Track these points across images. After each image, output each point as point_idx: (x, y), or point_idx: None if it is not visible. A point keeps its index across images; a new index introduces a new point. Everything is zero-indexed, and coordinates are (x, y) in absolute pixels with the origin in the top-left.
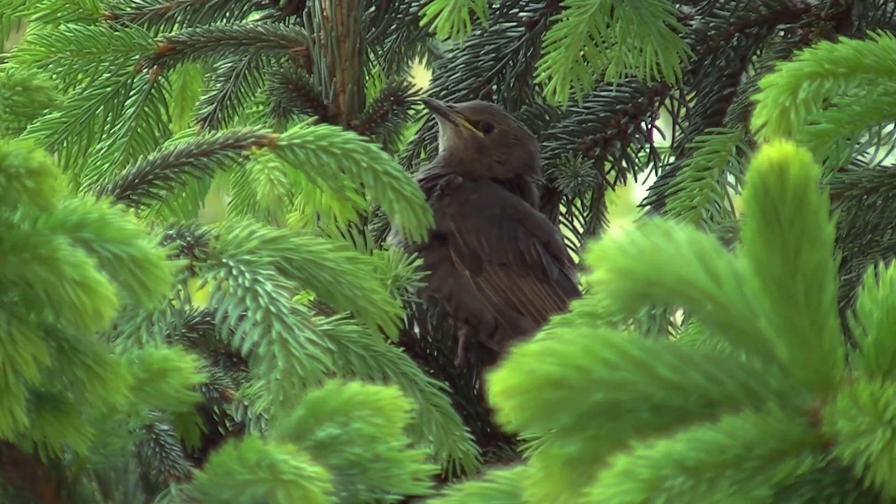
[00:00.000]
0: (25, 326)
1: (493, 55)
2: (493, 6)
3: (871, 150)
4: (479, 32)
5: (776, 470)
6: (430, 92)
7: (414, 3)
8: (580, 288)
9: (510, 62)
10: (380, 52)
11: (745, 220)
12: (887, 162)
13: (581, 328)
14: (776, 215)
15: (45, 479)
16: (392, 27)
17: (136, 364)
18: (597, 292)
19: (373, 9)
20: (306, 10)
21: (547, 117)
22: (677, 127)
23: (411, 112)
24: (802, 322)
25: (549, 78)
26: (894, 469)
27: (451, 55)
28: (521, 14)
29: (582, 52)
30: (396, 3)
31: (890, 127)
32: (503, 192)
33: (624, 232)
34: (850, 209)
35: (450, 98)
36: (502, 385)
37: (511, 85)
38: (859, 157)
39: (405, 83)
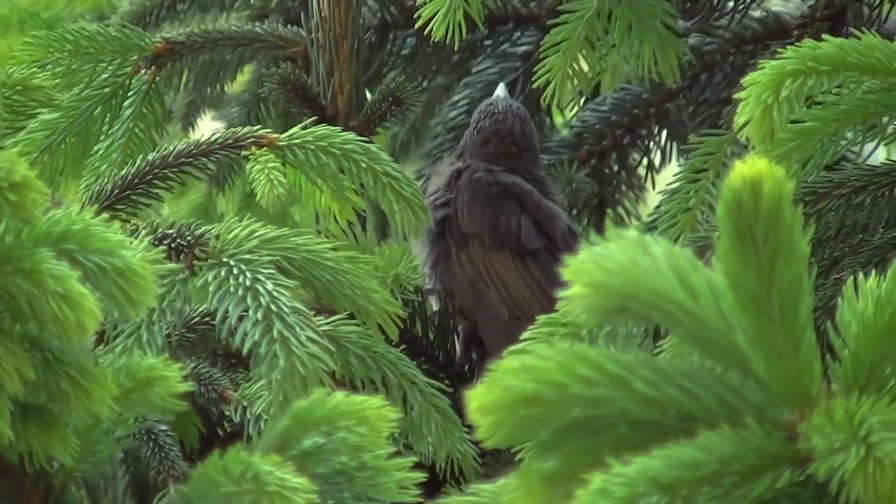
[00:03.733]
0: (9, 339)
1: (490, 90)
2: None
3: (862, 147)
4: (476, 70)
5: (754, 485)
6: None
7: (407, 43)
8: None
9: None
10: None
11: (719, 236)
12: (875, 161)
13: (558, 344)
14: (750, 232)
15: (33, 489)
16: (388, 66)
17: (122, 373)
18: (574, 307)
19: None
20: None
21: (545, 143)
22: (675, 143)
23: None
24: (778, 337)
25: (548, 82)
26: (868, 486)
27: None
28: (514, 49)
29: (580, 57)
30: (390, 45)
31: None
32: (514, 176)
33: (601, 245)
34: (839, 208)
35: (451, 133)
36: (479, 402)
37: None
38: (851, 151)
39: (404, 84)
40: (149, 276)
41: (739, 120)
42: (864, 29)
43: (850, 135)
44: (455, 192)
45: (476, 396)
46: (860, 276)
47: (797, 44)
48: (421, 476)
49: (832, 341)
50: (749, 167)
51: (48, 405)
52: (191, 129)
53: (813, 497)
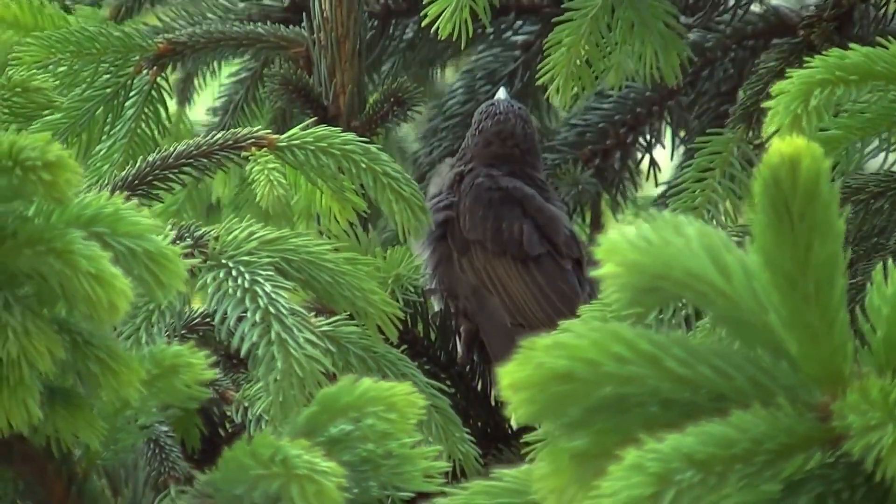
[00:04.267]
0: (40, 319)
1: (489, 79)
2: (489, 30)
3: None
4: (475, 58)
5: (785, 465)
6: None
7: (408, 30)
8: (568, 274)
9: (506, 86)
10: (376, 79)
11: (754, 214)
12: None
13: (592, 322)
14: (787, 209)
15: (56, 475)
16: (388, 52)
17: (148, 359)
18: (606, 286)
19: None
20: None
21: (545, 139)
22: (676, 138)
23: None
24: (812, 316)
25: (552, 79)
26: None
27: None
28: (515, 37)
29: (584, 54)
30: (392, 30)
31: None
32: (515, 181)
33: (634, 226)
34: (858, 213)
35: (449, 121)
36: (511, 378)
37: None
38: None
39: (406, 84)
40: (178, 261)
41: (769, 129)
42: (890, 38)
43: (875, 143)
44: (457, 197)
45: (508, 373)
46: (889, 261)
47: (807, 49)
48: (446, 465)
49: (861, 328)
50: (787, 144)
51: (75, 389)
52: (187, 105)
53: (842, 478)
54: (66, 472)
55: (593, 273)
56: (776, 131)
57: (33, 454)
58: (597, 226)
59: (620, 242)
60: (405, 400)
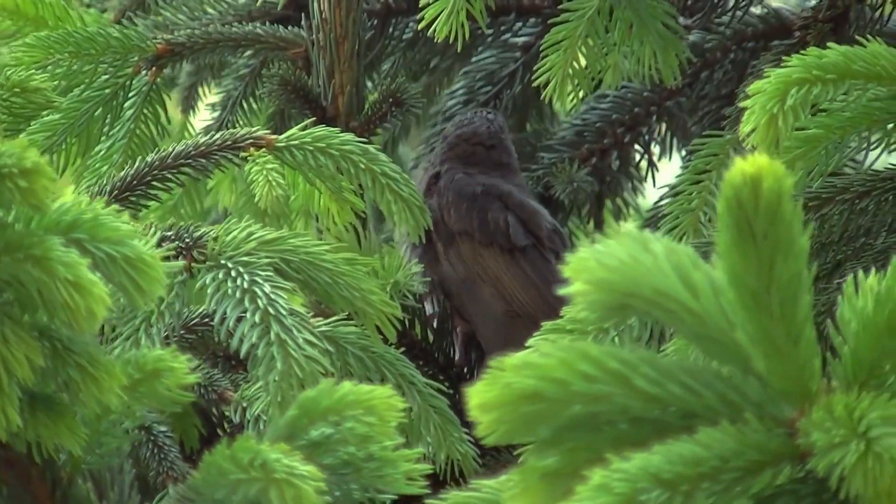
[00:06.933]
0: (19, 327)
1: (489, 80)
2: (489, 31)
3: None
4: (475, 59)
5: (754, 481)
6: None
7: (408, 29)
8: (553, 266)
9: (507, 88)
10: (376, 78)
11: (719, 233)
12: (879, 166)
13: (559, 341)
14: (750, 228)
15: (40, 480)
16: (388, 51)
17: (131, 364)
18: (576, 304)
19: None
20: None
21: (543, 138)
22: (675, 140)
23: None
24: (778, 333)
25: (548, 80)
26: (868, 482)
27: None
28: (515, 39)
29: (581, 56)
30: (392, 29)
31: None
32: (494, 178)
33: (602, 243)
34: (843, 213)
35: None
36: (480, 399)
37: (509, 108)
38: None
39: (404, 85)
40: (158, 266)
41: (745, 129)
42: (868, 36)
43: (855, 142)
44: (436, 196)
45: (477, 393)
46: (860, 273)
47: (802, 50)
48: (428, 468)
49: (832, 339)
50: (749, 163)
51: (57, 395)
52: (191, 112)
53: (812, 493)
54: (51, 477)
55: (560, 290)
56: (752, 130)
57: (16, 459)
58: (598, 228)
59: (588, 260)
60: (385, 403)
